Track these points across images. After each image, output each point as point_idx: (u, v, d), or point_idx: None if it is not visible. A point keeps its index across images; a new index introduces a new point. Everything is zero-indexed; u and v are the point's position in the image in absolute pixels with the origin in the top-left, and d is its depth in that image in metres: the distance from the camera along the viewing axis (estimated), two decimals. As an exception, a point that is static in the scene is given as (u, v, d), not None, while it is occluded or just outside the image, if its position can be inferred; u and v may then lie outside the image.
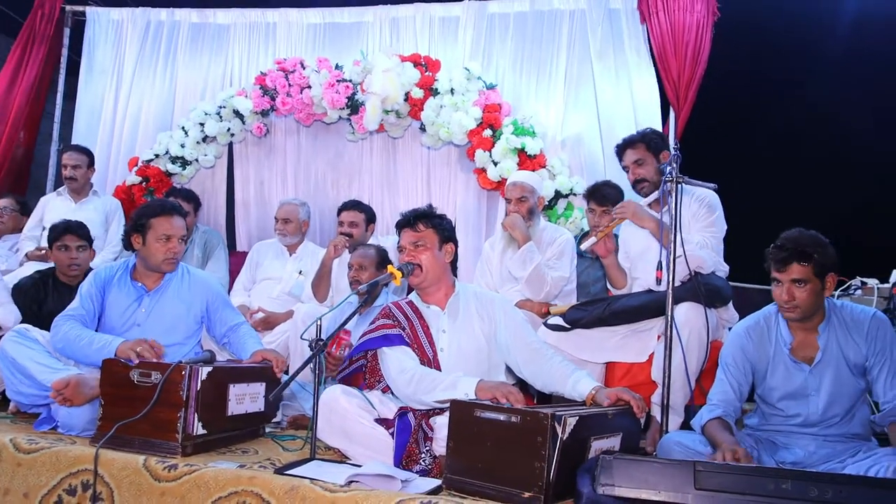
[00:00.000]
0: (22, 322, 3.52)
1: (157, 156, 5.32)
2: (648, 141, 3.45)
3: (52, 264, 4.20)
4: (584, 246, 3.45)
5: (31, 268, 4.35)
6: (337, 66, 5.04)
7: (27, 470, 2.40)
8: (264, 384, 2.93)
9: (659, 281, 2.83)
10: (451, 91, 4.79)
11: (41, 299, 3.68)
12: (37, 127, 5.96)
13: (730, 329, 3.29)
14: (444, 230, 2.85)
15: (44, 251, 4.56)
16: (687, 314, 2.97)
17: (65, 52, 5.96)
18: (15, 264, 4.68)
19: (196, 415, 2.51)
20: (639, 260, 3.46)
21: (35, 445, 2.45)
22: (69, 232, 3.73)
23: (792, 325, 2.61)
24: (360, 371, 2.89)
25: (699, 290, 2.97)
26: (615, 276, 3.52)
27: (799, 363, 2.57)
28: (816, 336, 2.56)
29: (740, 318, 2.87)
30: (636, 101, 4.81)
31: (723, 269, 3.27)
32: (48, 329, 3.04)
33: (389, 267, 2.74)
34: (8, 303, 3.75)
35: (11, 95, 5.73)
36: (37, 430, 2.80)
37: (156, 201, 3.33)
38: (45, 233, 4.80)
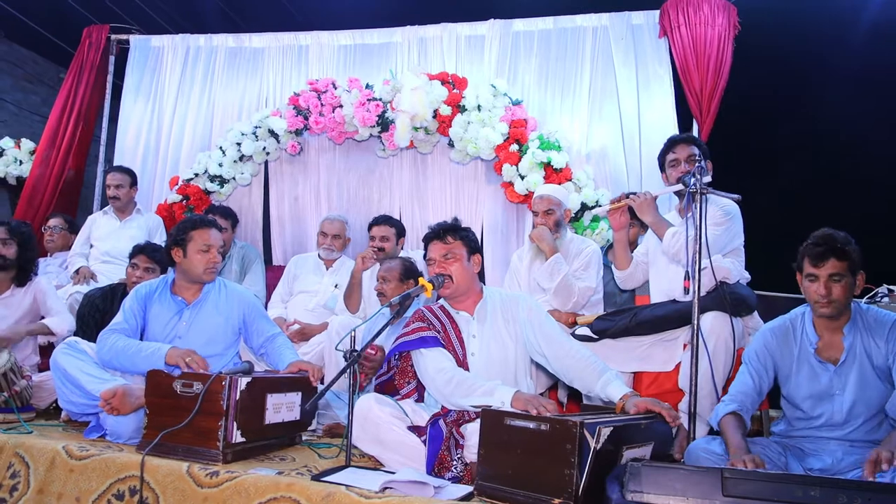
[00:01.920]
0: (87, 329, 3.71)
1: (196, 175, 5.47)
2: (700, 145, 3.48)
3: (97, 285, 4.40)
4: (599, 210, 3.58)
5: (74, 288, 4.55)
6: (367, 86, 5.16)
7: (79, 475, 2.50)
8: (300, 394, 3.01)
9: (686, 290, 2.86)
10: (478, 107, 4.87)
11: (106, 309, 3.84)
12: (86, 150, 6.20)
13: (756, 337, 3.33)
14: (472, 242, 2.92)
15: (87, 274, 4.75)
16: (713, 323, 3.00)
17: (110, 78, 6.20)
18: (65, 280, 4.89)
19: (236, 423, 2.58)
20: (662, 268, 3.48)
21: (86, 452, 2.56)
22: (143, 253, 3.91)
23: (818, 325, 2.63)
24: (393, 378, 2.96)
25: (725, 299, 2.99)
26: (620, 254, 3.60)
27: (824, 363, 2.59)
28: (842, 337, 2.58)
29: (765, 325, 2.88)
30: (658, 114, 4.86)
31: (745, 278, 3.30)
32: None
33: (421, 279, 2.81)
34: (63, 311, 3.94)
35: (63, 122, 6.00)
36: (87, 438, 2.92)
37: (193, 216, 3.46)
38: (93, 250, 5.04)
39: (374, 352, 3.07)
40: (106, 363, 3.08)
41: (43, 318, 3.98)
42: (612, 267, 3.75)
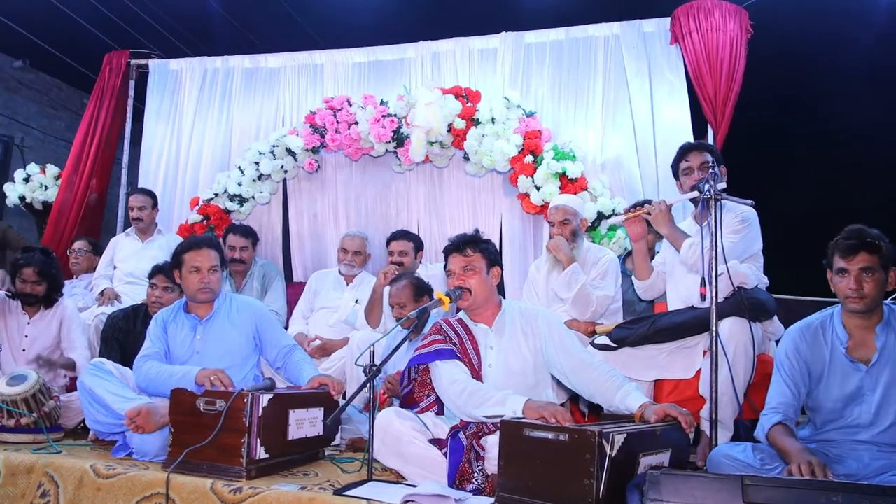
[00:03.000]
0: (111, 349, 3.81)
1: (216, 195, 5.55)
2: (714, 151, 3.48)
3: (121, 306, 4.48)
4: (614, 220, 3.54)
5: (99, 310, 4.64)
6: (382, 102, 5.21)
7: (106, 494, 2.56)
8: (322, 409, 3.04)
9: (703, 297, 2.84)
10: (492, 120, 4.90)
11: (129, 329, 3.92)
12: (109, 174, 6.34)
13: (776, 342, 3.30)
14: (491, 254, 2.93)
15: (111, 295, 4.84)
16: (732, 329, 2.99)
17: (130, 101, 6.32)
18: (91, 301, 4.98)
19: (258, 440, 2.61)
20: (680, 275, 3.47)
21: (112, 471, 2.61)
22: (161, 273, 3.97)
23: (849, 324, 2.58)
24: (413, 389, 2.98)
25: (743, 304, 2.99)
26: (640, 264, 3.58)
27: (856, 363, 2.53)
28: (874, 336, 2.52)
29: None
30: (672, 121, 4.87)
31: (763, 282, 3.29)
32: (131, 354, 3.26)
33: (437, 293, 2.84)
34: (83, 346, 4.03)
35: (86, 146, 6.14)
36: (114, 457, 2.97)
37: (188, 238, 3.54)
38: (116, 271, 5.13)
39: (396, 375, 3.10)
40: (143, 390, 3.16)
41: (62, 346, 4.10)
42: (632, 276, 3.74)
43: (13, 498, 2.67)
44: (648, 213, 3.34)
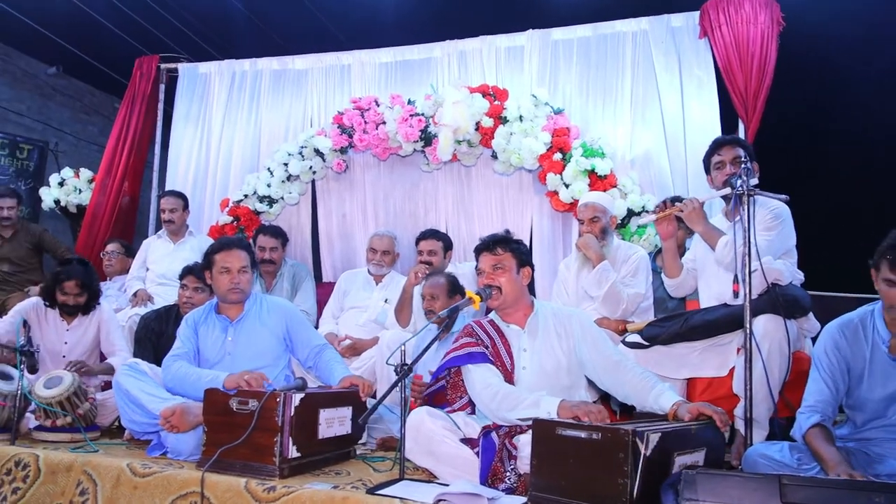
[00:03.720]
0: (144, 350, 3.87)
1: (245, 196, 5.60)
2: (746, 146, 3.44)
3: (154, 307, 4.54)
4: (645, 219, 3.48)
5: (133, 311, 4.71)
6: (409, 102, 5.22)
7: (142, 492, 2.59)
8: (351, 408, 3.05)
9: (736, 294, 2.81)
10: (520, 118, 4.88)
11: (161, 331, 3.99)
12: (140, 177, 6.42)
13: (812, 339, 3.25)
14: (522, 254, 2.92)
15: (144, 297, 4.91)
16: (766, 326, 2.95)
17: (160, 105, 6.40)
18: (124, 303, 5.06)
19: (291, 439, 2.63)
20: (712, 272, 3.43)
21: (148, 470, 2.65)
22: (191, 274, 4.04)
23: (890, 323, 2.53)
24: (443, 390, 2.98)
25: (777, 301, 2.95)
26: (670, 262, 3.54)
27: None
28: None
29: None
30: (702, 116, 4.81)
31: (798, 278, 3.24)
32: (163, 354, 3.29)
33: (468, 292, 2.83)
34: (124, 348, 4.10)
35: (118, 150, 6.24)
36: (149, 456, 3.01)
37: (219, 239, 3.57)
38: (149, 273, 5.21)
39: (417, 378, 3.11)
40: (170, 389, 3.18)
41: (102, 352, 4.17)
42: (662, 274, 3.71)
43: (53, 495, 2.72)
44: (681, 211, 3.30)
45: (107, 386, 3.99)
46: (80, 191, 6.27)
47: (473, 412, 2.88)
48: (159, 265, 5.23)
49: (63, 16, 7.19)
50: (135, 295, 4.99)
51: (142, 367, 3.27)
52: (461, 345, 2.84)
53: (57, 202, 6.31)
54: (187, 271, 4.06)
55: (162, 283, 5.14)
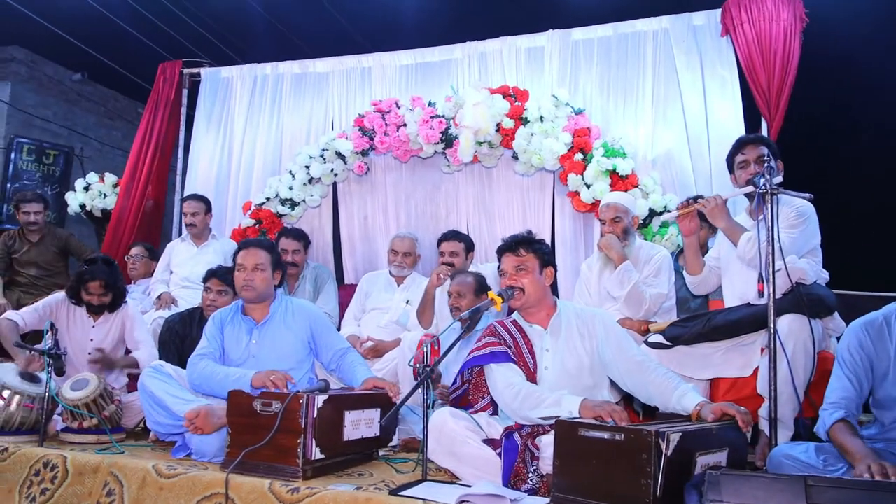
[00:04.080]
0: (168, 352, 3.90)
1: (267, 199, 5.62)
2: (770, 145, 3.41)
3: (177, 310, 4.59)
4: (667, 216, 3.50)
5: (157, 314, 4.76)
6: (430, 104, 5.22)
7: (168, 493, 2.62)
8: (379, 410, 3.06)
9: (761, 293, 2.79)
10: (541, 119, 4.86)
11: (185, 334, 4.02)
12: (165, 181, 6.49)
13: (837, 339, 3.21)
14: (544, 255, 2.92)
15: (168, 300, 4.97)
16: (790, 326, 2.93)
17: (183, 110, 6.46)
18: (149, 306, 5.11)
19: (314, 440, 2.65)
20: (736, 271, 3.41)
21: (174, 471, 2.68)
22: (215, 277, 4.08)
23: None
24: (466, 392, 2.98)
25: (802, 300, 2.92)
26: (691, 259, 3.52)
27: None
28: None
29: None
30: (725, 115, 4.77)
31: (823, 277, 3.20)
32: (188, 357, 3.32)
33: (490, 293, 2.83)
34: (149, 343, 4.14)
35: (142, 155, 6.31)
36: (174, 457, 3.05)
37: (244, 240, 3.63)
38: (173, 276, 5.26)
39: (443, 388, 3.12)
40: (196, 388, 3.22)
41: (128, 348, 4.20)
42: (684, 272, 3.68)
43: (81, 496, 2.76)
44: (704, 207, 3.28)
45: (132, 388, 4.05)
46: (105, 195, 6.35)
47: (496, 412, 2.88)
48: (183, 268, 5.29)
49: (88, 22, 7.31)
50: (159, 298, 5.05)
51: (166, 370, 3.31)
52: (484, 344, 2.85)
53: (82, 206, 6.39)
54: (210, 274, 4.10)
55: (185, 286, 5.20)
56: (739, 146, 3.41)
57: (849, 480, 1.98)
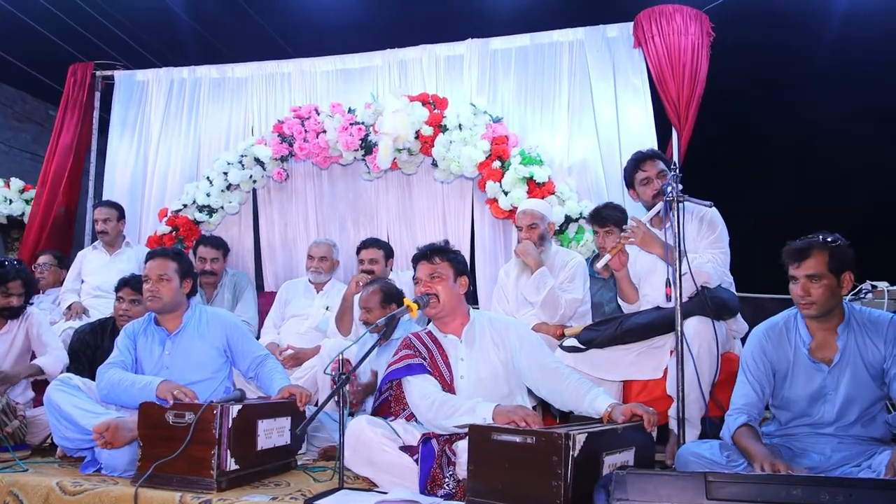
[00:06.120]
0: (79, 364, 3.75)
1: (184, 206, 5.50)
2: (664, 158, 3.58)
3: (89, 320, 4.42)
4: (598, 265, 3.51)
5: (67, 324, 4.56)
6: (350, 110, 5.21)
7: (73, 511, 2.53)
8: (289, 418, 3.04)
9: (669, 297, 2.91)
10: (459, 126, 4.92)
11: (97, 344, 3.88)
12: (77, 186, 6.21)
13: (741, 340, 3.36)
14: (459, 263, 2.96)
15: (79, 310, 4.78)
16: (696, 328, 3.04)
17: (96, 113, 6.21)
18: (58, 316, 4.90)
19: (229, 451, 2.61)
20: (646, 278, 3.52)
21: (79, 487, 2.61)
22: (127, 286, 3.94)
23: (811, 326, 2.63)
24: (387, 402, 3.01)
25: (706, 303, 3.04)
26: (627, 289, 3.56)
27: (818, 363, 2.59)
28: (836, 337, 2.58)
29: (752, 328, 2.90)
30: (637, 124, 4.93)
31: (727, 281, 3.34)
32: None
33: (406, 300, 2.86)
34: (57, 347, 3.95)
35: (53, 159, 6.03)
36: (82, 473, 2.94)
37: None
38: (84, 285, 5.07)
39: (354, 377, 3.11)
40: (105, 398, 3.11)
41: (34, 356, 3.99)
42: (620, 301, 3.69)
43: (-22, 518, 2.64)
44: (631, 240, 3.31)
45: (39, 402, 3.86)
46: (11, 201, 6.08)
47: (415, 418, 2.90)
48: (94, 277, 5.11)
49: (-7, 21, 6.99)
50: (69, 308, 4.86)
51: (74, 382, 3.18)
52: (400, 357, 2.87)
53: (-14, 212, 6.10)
54: (123, 283, 3.96)
55: (97, 295, 5.01)
56: (637, 163, 3.57)
57: (744, 475, 2.07)
